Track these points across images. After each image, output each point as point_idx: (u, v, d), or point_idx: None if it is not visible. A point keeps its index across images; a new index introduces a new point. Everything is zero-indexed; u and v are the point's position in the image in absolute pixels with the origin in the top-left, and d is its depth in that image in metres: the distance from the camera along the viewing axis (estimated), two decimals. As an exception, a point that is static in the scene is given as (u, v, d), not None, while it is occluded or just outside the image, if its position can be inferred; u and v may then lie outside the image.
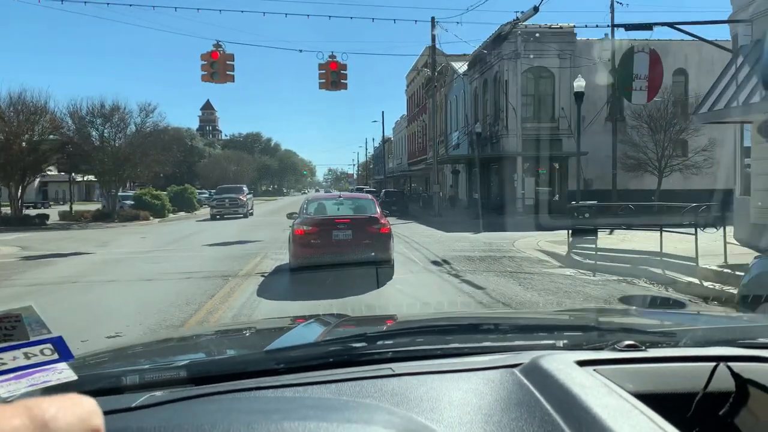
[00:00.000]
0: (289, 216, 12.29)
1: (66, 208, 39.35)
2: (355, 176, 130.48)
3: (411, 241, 17.86)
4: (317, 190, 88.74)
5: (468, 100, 36.64)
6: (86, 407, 0.47)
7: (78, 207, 39.28)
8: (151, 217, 34.74)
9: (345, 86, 22.17)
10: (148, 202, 36.42)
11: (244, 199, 35.63)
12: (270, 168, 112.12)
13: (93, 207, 38.31)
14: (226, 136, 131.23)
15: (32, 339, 0.65)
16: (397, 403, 1.15)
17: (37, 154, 30.15)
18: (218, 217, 34.38)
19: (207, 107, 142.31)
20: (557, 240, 16.26)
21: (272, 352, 1.65)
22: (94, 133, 33.57)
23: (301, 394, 1.26)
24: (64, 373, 0.65)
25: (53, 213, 35.38)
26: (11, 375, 0.63)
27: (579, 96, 20.39)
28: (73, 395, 0.46)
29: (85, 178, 45.66)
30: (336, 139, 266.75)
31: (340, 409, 1.04)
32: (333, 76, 21.78)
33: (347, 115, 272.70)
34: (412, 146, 60.02)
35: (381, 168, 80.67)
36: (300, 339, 1.97)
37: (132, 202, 37.14)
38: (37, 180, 57.70)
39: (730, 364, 1.18)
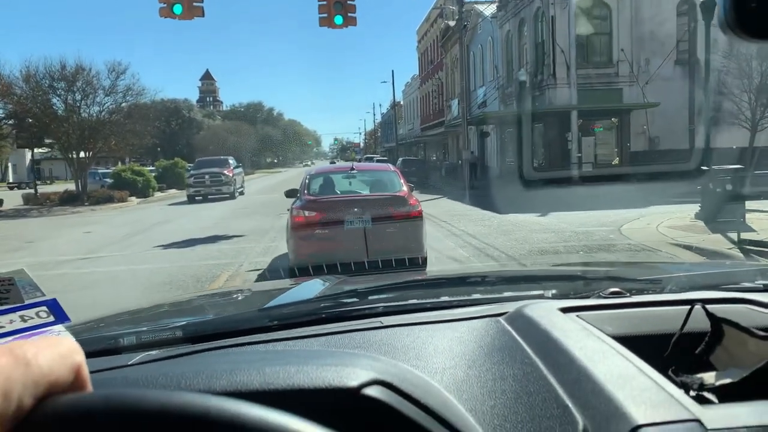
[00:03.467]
0: (288, 194, 9.37)
1: (55, 187, 34.61)
2: (362, 145, 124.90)
3: (455, 228, 12.61)
4: (332, 162, 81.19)
5: (498, 48, 30.89)
6: (66, 345, 0.48)
7: (55, 188, 34.48)
8: (132, 197, 29.62)
9: (354, 21, 16.61)
10: (128, 179, 31.21)
11: (230, 175, 28.00)
12: (273, 139, 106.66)
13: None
14: (226, 107, 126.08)
15: (27, 302, 0.66)
16: (384, 352, 1.16)
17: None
18: (198, 198, 26.72)
19: (206, 77, 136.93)
20: (681, 225, 10.96)
21: (265, 310, 1.68)
22: (56, 101, 28.22)
23: (291, 347, 1.30)
24: (61, 335, 0.65)
25: (17, 196, 30.43)
26: (9, 338, 0.64)
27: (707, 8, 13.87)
28: (54, 337, 0.48)
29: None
30: (342, 106, 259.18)
31: (324, 356, 1.03)
32: (337, 8, 16.24)
33: (353, 82, 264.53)
34: (426, 109, 54.31)
35: (390, 135, 75.18)
36: (296, 297, 1.99)
37: (111, 181, 32.26)
38: (28, 157, 53.02)
39: (707, 306, 1.18)
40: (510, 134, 29.23)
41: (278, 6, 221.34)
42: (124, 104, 29.40)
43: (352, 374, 0.85)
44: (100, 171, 39.11)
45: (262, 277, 8.28)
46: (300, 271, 6.84)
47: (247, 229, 13.59)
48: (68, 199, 27.91)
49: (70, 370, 0.46)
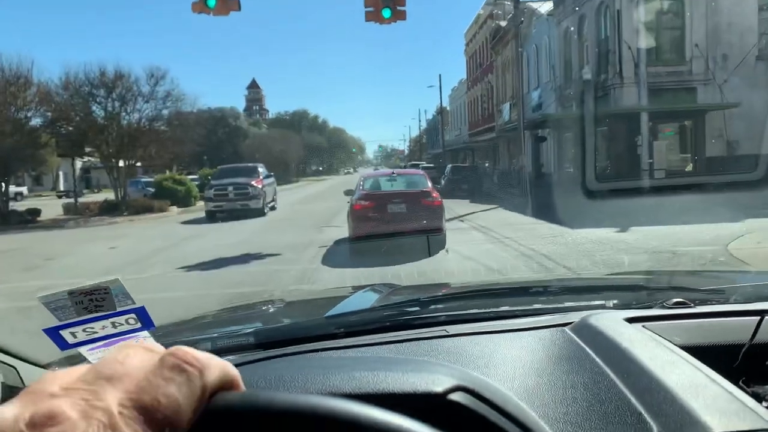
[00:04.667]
0: (347, 193, 13.26)
1: (99, 196, 34.13)
2: (406, 152, 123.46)
3: (523, 246, 10.87)
4: (376, 168, 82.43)
5: (554, 47, 28.89)
6: (222, 362, 0.51)
7: (100, 197, 33.94)
8: (173, 207, 28.69)
9: (403, 15, 15.03)
10: (170, 188, 30.34)
11: (259, 186, 22.60)
12: (318, 146, 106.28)
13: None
14: (272, 115, 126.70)
15: (119, 309, 0.70)
16: (452, 360, 1.17)
17: (22, 135, 24.24)
18: (220, 216, 21.26)
19: (253, 86, 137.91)
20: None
21: (332, 318, 1.73)
22: (95, 108, 27.49)
23: (363, 353, 1.32)
24: (147, 340, 0.68)
25: (58, 206, 29.87)
26: (101, 342, 0.69)
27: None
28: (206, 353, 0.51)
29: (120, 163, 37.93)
30: (386, 113, 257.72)
31: (402, 362, 1.07)
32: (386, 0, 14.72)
33: (398, 88, 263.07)
34: (474, 114, 52.42)
35: (436, 141, 73.48)
36: (356, 306, 2.01)
37: (153, 190, 31.46)
38: (79, 166, 53.24)
39: None
40: (569, 139, 27.22)
41: (323, 13, 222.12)
42: (164, 111, 28.49)
43: (437, 380, 0.86)
44: (143, 180, 38.56)
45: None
46: (360, 247, 10.91)
47: (284, 246, 12.10)
48: (107, 209, 27.11)
49: (227, 373, 0.50)
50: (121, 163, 27.78)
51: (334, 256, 10.96)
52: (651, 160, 19.86)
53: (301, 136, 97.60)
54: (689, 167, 21.17)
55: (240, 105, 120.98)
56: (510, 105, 37.66)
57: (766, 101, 20.47)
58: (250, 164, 27.14)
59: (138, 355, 0.49)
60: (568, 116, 25.45)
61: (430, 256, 9.76)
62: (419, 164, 52.08)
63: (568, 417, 0.93)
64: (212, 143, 74.44)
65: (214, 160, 68.41)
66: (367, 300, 2.11)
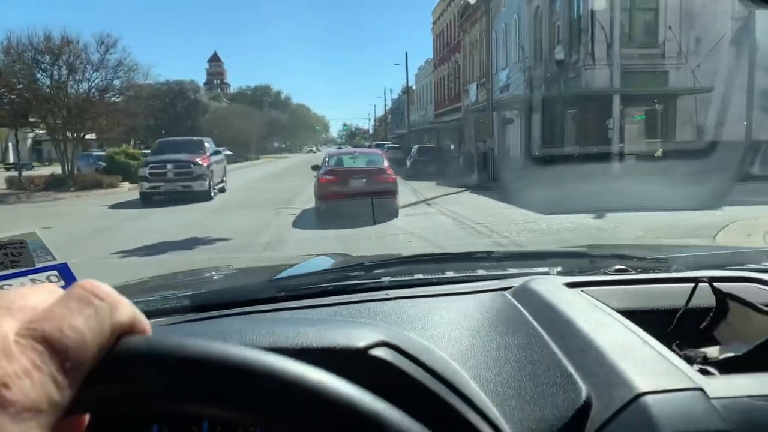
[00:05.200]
0: (313, 168, 15.10)
1: (49, 170, 32.18)
2: (371, 131, 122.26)
3: (497, 235, 10.10)
4: (340, 147, 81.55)
5: (524, 26, 28.16)
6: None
7: (49, 170, 32.09)
8: (125, 183, 27.19)
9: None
10: (122, 163, 28.77)
11: (204, 165, 19.27)
12: (280, 123, 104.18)
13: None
14: (234, 90, 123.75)
15: (38, 265, 0.67)
16: (389, 322, 1.19)
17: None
18: (156, 199, 18.35)
19: (214, 59, 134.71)
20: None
21: (273, 281, 1.71)
22: (40, 76, 25.76)
23: (298, 314, 1.34)
24: None
25: (1, 179, 28.10)
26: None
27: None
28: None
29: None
30: (352, 91, 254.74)
31: (331, 321, 1.08)
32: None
33: (364, 67, 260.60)
34: (440, 94, 51.66)
35: (401, 121, 72.60)
36: (303, 271, 2.00)
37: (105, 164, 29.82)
38: (31, 137, 50.56)
39: (713, 283, 1.18)
40: (537, 121, 26.66)
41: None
42: (116, 81, 26.91)
43: (359, 335, 0.86)
44: (95, 153, 36.74)
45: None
46: (324, 213, 12.78)
47: (237, 229, 11.14)
48: (54, 184, 25.57)
49: (138, 317, 0.48)
50: (69, 136, 26.18)
51: (293, 242, 10.09)
52: (622, 144, 19.38)
53: (263, 112, 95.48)
54: (659, 152, 20.75)
55: (201, 79, 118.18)
56: (477, 85, 36.95)
57: (737, 87, 20.16)
58: (195, 138, 23.34)
59: (43, 289, 0.46)
60: (537, 97, 24.78)
61: (380, 222, 11.10)
62: (384, 144, 51.26)
63: (499, 377, 0.95)
64: (171, 117, 72.18)
65: (172, 134, 66.20)
66: (316, 266, 2.13)
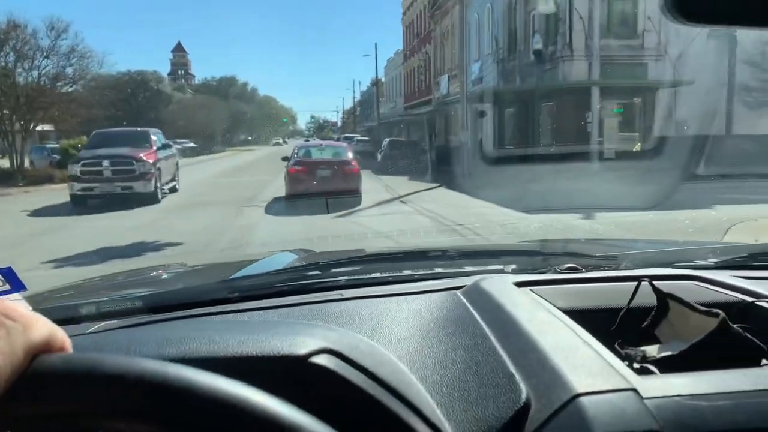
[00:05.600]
0: (283, 159, 15.97)
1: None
2: (339, 124, 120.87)
3: (475, 235, 9.23)
4: (306, 140, 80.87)
5: (498, 16, 27.36)
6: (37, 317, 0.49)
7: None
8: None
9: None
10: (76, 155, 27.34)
11: (150, 161, 16.14)
12: (246, 115, 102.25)
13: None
14: (199, 81, 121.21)
15: None
16: (342, 323, 1.19)
17: None
18: (89, 202, 15.46)
19: (178, 49, 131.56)
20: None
21: (226, 282, 1.71)
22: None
23: (249, 318, 1.33)
24: (17, 303, 0.63)
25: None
26: None
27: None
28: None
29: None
30: (320, 83, 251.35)
31: (278, 326, 1.04)
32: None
33: (333, 58, 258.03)
34: (410, 86, 50.74)
35: (370, 113, 71.53)
36: (260, 270, 1.99)
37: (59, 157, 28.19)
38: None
39: (655, 282, 1.21)
40: (511, 114, 25.90)
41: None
42: (68, 69, 25.35)
43: (301, 343, 0.85)
44: (49, 146, 34.96)
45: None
46: (293, 201, 13.26)
47: (193, 230, 10.02)
48: (1, 178, 24.02)
49: (54, 335, 0.48)
50: (18, 127, 24.58)
51: (256, 246, 9.07)
52: (601, 138, 18.70)
53: (229, 104, 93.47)
54: (637, 146, 20.16)
55: (165, 69, 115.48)
56: (448, 77, 36.14)
57: (716, 80, 19.64)
58: (138, 129, 20.00)
59: None
60: (512, 90, 23.99)
61: (341, 210, 12.24)
62: (353, 137, 50.28)
63: (444, 379, 0.96)
64: (132, 108, 69.71)
65: (133, 124, 64.09)
66: (275, 264, 2.10)
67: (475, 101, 29.20)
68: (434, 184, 18.80)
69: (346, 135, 57.33)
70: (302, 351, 0.82)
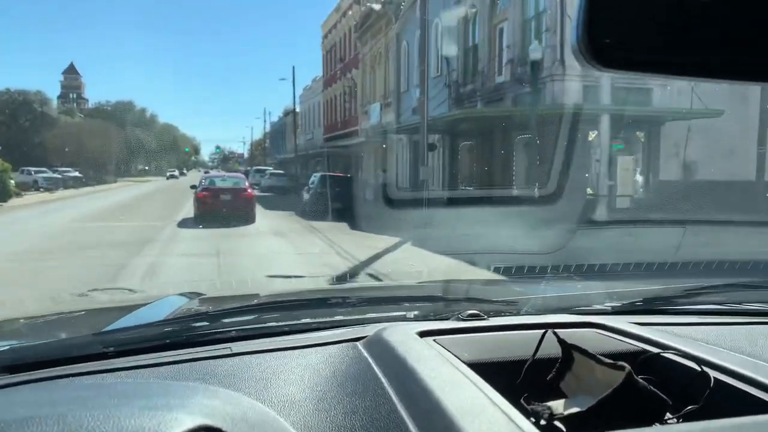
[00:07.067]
0: (192, 187, 19.15)
1: None
2: (245, 155, 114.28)
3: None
4: (206, 172, 75.48)
5: (451, 32, 22.83)
6: None
7: None
8: None
9: None
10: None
11: None
12: (144, 143, 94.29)
13: None
14: (93, 105, 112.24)
15: None
16: (229, 383, 1.10)
17: None
18: None
19: (71, 71, 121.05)
20: None
21: (101, 335, 1.52)
22: None
23: (123, 379, 1.19)
24: None
25: None
26: None
27: None
28: None
29: None
30: (227, 111, 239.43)
31: (151, 395, 0.93)
32: None
33: (240, 86, 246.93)
34: (331, 116, 45.86)
35: (282, 145, 66.25)
36: (144, 319, 1.74)
37: None
38: None
39: (558, 330, 1.18)
40: (469, 148, 21.35)
41: None
42: None
43: (173, 421, 0.74)
44: None
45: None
46: (201, 218, 16.71)
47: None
48: None
49: None
50: None
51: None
52: (612, 182, 14.26)
53: (125, 131, 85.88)
54: (638, 192, 15.92)
55: (55, 92, 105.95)
56: (381, 105, 31.50)
57: (735, 113, 15.80)
58: None
59: None
60: (478, 118, 19.27)
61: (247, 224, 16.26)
62: (265, 170, 44.97)
63: None
64: (12, 131, 62.81)
65: (13, 150, 56.96)
66: (160, 312, 1.83)
67: (416, 132, 24.56)
68: (394, 237, 13.59)
69: (258, 167, 51.83)
70: (176, 431, 0.70)
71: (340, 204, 18.66)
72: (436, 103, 24.25)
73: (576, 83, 15.71)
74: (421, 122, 17.59)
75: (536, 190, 14.97)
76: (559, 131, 15.14)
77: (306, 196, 20.83)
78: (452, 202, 18.29)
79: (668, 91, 16.24)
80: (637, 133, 16.38)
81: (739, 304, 1.86)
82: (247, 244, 13.72)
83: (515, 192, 16.98)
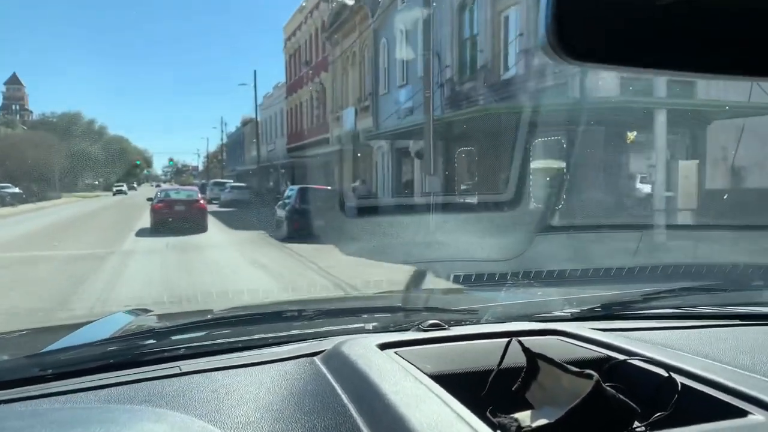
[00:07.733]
0: (148, 199, 20.84)
1: None
2: (200, 168, 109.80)
3: None
4: (158, 185, 71.67)
5: (443, 24, 20.05)
6: None
7: None
8: None
9: None
10: None
11: None
12: (92, 156, 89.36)
13: None
14: (37, 116, 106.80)
15: None
16: (178, 405, 1.05)
17: None
18: None
19: (13, 82, 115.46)
20: None
21: (39, 356, 1.40)
22: None
23: (62, 404, 1.12)
24: None
25: None
26: None
27: None
28: None
29: None
30: (181, 122, 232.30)
31: (89, 422, 0.89)
32: None
33: (195, 95, 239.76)
34: (296, 124, 42.72)
35: (240, 157, 62.78)
36: (86, 338, 1.62)
37: None
38: None
39: (522, 338, 1.14)
40: (461, 154, 18.61)
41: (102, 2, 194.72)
42: None
43: None
44: None
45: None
46: (157, 228, 18.15)
47: None
48: None
49: None
50: None
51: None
52: (670, 193, 11.60)
53: (71, 144, 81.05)
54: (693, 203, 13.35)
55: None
56: (356, 110, 28.58)
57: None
58: None
59: None
60: (484, 119, 16.48)
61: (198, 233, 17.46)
62: (225, 183, 41.80)
63: None
64: (-56, 145, 58.30)
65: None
66: (104, 330, 1.71)
67: (402, 138, 21.83)
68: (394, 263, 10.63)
69: (216, 181, 48.15)
70: None
71: (323, 221, 15.60)
72: (419, 108, 21.51)
73: (611, 73, 13.10)
74: (425, 124, 14.74)
75: (559, 205, 12.32)
76: (593, 131, 12.49)
77: (280, 212, 17.66)
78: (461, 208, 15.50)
79: (714, 85, 13.78)
80: (678, 132, 13.86)
81: (695, 307, 1.82)
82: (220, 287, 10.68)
83: (532, 206, 14.25)
